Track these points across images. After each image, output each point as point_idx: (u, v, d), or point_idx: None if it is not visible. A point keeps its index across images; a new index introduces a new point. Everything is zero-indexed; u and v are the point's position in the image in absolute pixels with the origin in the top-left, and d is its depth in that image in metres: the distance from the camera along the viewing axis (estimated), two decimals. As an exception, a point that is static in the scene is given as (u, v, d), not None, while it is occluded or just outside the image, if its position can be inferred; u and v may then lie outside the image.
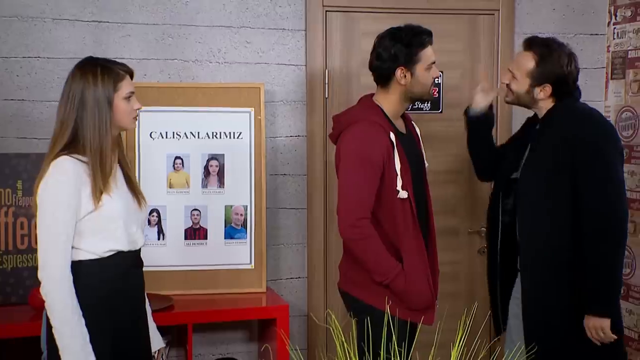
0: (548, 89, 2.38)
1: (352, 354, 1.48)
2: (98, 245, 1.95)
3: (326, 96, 3.12)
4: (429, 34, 2.36)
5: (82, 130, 1.93)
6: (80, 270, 1.91)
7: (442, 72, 3.18)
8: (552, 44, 2.41)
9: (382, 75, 2.37)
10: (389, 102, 2.38)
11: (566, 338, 2.32)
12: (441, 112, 3.26)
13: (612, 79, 3.28)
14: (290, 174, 3.11)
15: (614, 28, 3.25)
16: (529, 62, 2.38)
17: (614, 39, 3.26)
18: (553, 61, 2.36)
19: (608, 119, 3.30)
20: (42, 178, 1.92)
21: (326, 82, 3.11)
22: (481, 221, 3.24)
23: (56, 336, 1.87)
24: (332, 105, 3.13)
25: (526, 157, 2.43)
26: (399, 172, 2.27)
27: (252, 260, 2.92)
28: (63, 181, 1.89)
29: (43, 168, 1.93)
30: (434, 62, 2.37)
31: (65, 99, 1.96)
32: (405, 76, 2.32)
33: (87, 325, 1.88)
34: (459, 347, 1.42)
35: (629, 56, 3.17)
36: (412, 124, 2.53)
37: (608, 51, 3.29)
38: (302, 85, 3.09)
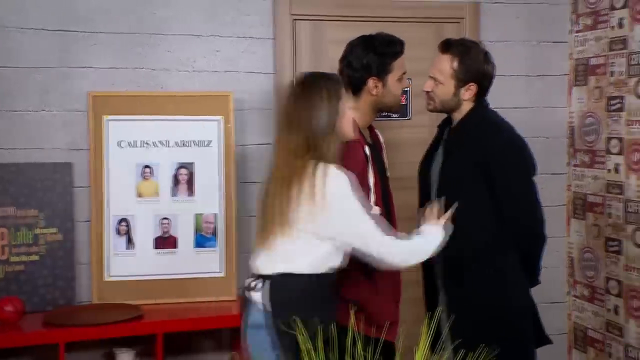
0: (473, 87, 2.38)
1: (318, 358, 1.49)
2: None
3: (295, 104, 3.13)
4: (401, 44, 2.34)
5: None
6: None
7: (410, 79, 3.22)
8: (467, 42, 2.45)
9: (353, 84, 2.32)
10: (359, 112, 2.33)
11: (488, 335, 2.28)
12: (410, 118, 3.30)
13: (575, 85, 3.35)
14: (260, 182, 3.10)
15: (576, 36, 3.32)
16: (451, 63, 2.36)
17: (576, 46, 3.33)
18: (472, 58, 2.36)
19: (572, 124, 3.38)
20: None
21: (295, 90, 3.12)
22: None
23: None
24: (301, 112, 3.14)
25: (443, 161, 2.41)
26: (372, 187, 2.22)
27: (223, 268, 2.92)
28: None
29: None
30: (405, 73, 2.36)
31: None
32: (377, 86, 2.30)
33: None
34: (423, 352, 1.44)
35: (591, 63, 3.24)
36: (376, 133, 2.50)
37: (571, 58, 3.36)
38: (271, 93, 3.10)
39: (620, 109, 3.07)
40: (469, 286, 2.35)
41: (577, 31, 3.30)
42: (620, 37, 3.05)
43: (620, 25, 3.05)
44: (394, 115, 3.26)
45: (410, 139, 3.27)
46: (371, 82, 2.29)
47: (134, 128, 2.86)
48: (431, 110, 2.49)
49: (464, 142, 2.37)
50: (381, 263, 2.02)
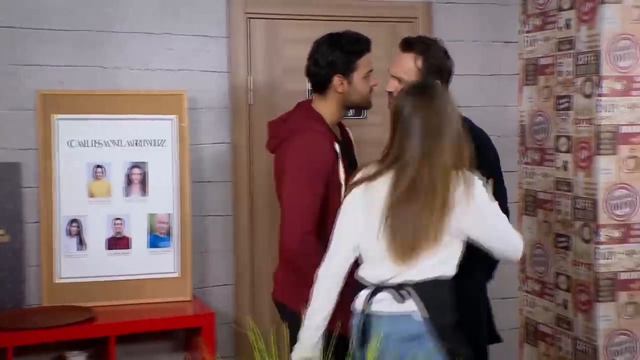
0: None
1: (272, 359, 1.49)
2: None
3: (250, 103, 3.12)
4: (367, 41, 2.35)
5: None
6: None
7: (364, 78, 3.25)
8: (427, 39, 2.45)
9: (319, 82, 2.35)
10: (328, 109, 2.35)
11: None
12: (365, 117, 3.32)
13: (525, 84, 3.42)
14: (215, 181, 3.10)
15: (526, 36, 3.39)
16: (415, 61, 2.35)
17: (526, 46, 3.40)
18: (435, 55, 2.37)
19: (523, 123, 3.45)
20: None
21: (250, 88, 3.11)
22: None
23: None
24: (256, 112, 3.13)
25: None
26: (343, 183, 2.23)
27: (178, 268, 2.89)
28: None
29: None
30: (372, 70, 2.37)
31: None
32: (342, 84, 2.31)
33: None
34: (376, 349, 1.45)
35: (540, 63, 3.31)
36: (347, 130, 2.53)
37: (521, 58, 3.43)
38: (225, 92, 3.08)
39: (568, 108, 3.14)
40: None
41: (527, 31, 3.37)
42: (568, 37, 3.12)
43: (568, 26, 3.13)
44: (349, 114, 3.28)
45: (365, 138, 3.28)
46: (336, 80, 2.31)
47: (85, 127, 2.81)
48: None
49: None
50: (506, 255, 2.07)
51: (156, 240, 2.88)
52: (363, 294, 2.01)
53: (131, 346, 2.91)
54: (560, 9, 3.17)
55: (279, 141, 2.34)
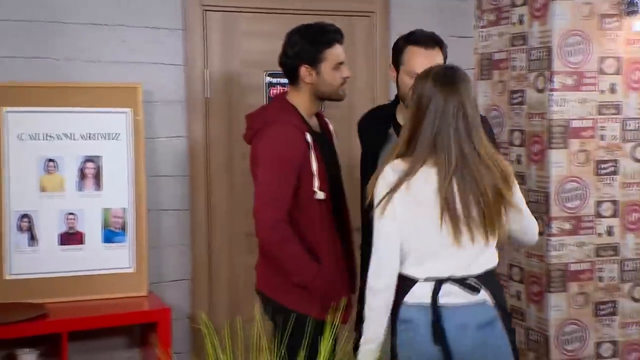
0: None
1: (226, 356, 1.48)
2: None
3: (207, 96, 3.10)
4: (337, 32, 2.35)
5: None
6: None
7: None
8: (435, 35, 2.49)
9: (288, 73, 2.37)
10: (301, 100, 2.37)
11: None
12: (322, 110, 3.31)
13: (480, 79, 3.47)
14: (171, 176, 3.06)
15: (481, 31, 3.44)
16: (441, 57, 2.40)
17: (480, 41, 3.45)
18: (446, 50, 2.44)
19: (478, 117, 3.50)
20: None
21: (207, 82, 3.09)
22: (359, 219, 3.32)
23: None
24: (213, 105, 3.11)
25: None
26: (315, 173, 2.26)
27: (133, 263, 2.85)
28: None
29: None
30: (343, 62, 2.36)
31: None
32: (310, 74, 2.32)
33: None
34: (329, 341, 1.46)
35: (494, 58, 3.36)
36: (326, 122, 2.54)
37: (476, 53, 3.48)
38: (181, 85, 3.05)
39: (522, 103, 3.20)
40: None
41: (482, 27, 3.42)
42: (521, 33, 3.18)
43: (521, 21, 3.18)
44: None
45: (323, 131, 3.30)
46: (304, 70, 2.32)
47: (36, 120, 2.75)
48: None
49: None
50: (525, 239, 2.16)
51: (111, 235, 2.83)
52: (424, 289, 1.97)
53: (85, 343, 2.86)
54: (514, 5, 3.22)
55: (254, 132, 2.35)
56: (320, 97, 2.39)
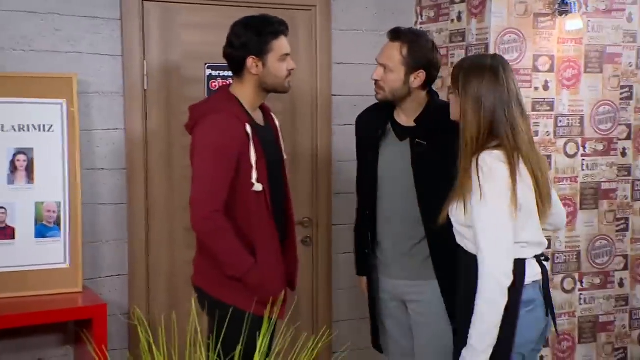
0: (422, 75, 2.42)
1: (161, 352, 1.47)
2: None
3: (145, 88, 3.04)
4: (283, 24, 2.35)
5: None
6: None
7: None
8: (415, 31, 2.53)
9: (234, 64, 2.34)
10: (245, 92, 2.35)
11: None
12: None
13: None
14: (107, 169, 3.00)
15: (420, 27, 3.48)
16: (400, 50, 2.40)
17: (420, 37, 3.49)
18: (421, 45, 2.42)
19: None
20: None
21: (145, 73, 3.03)
22: (304, 211, 3.33)
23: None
24: (152, 97, 3.05)
25: (416, 152, 2.42)
26: (254, 165, 2.24)
27: (67, 259, 2.78)
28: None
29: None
30: (289, 54, 2.36)
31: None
32: (257, 66, 2.30)
33: None
34: (283, 337, 1.46)
35: (434, 54, 3.41)
36: (272, 116, 2.52)
37: (417, 49, 3.52)
38: (118, 76, 2.98)
39: (460, 98, 3.26)
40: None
41: (422, 23, 3.46)
42: (459, 30, 3.23)
43: (459, 18, 3.24)
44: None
45: (264, 125, 3.29)
46: (250, 61, 2.30)
47: (-36, 111, 2.65)
48: (380, 100, 2.49)
49: (440, 129, 2.36)
50: (558, 222, 2.33)
51: (44, 230, 2.75)
52: (533, 267, 2.08)
53: (17, 341, 2.78)
54: (453, 2, 3.28)
55: (194, 122, 2.32)
56: (266, 89, 2.37)
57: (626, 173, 3.41)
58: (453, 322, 2.40)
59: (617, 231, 3.41)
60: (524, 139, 2.06)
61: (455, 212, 2.10)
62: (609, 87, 3.32)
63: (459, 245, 2.16)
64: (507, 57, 3.06)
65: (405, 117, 2.50)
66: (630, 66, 3.35)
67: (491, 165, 2.00)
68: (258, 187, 2.25)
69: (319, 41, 3.33)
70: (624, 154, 3.39)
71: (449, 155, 2.32)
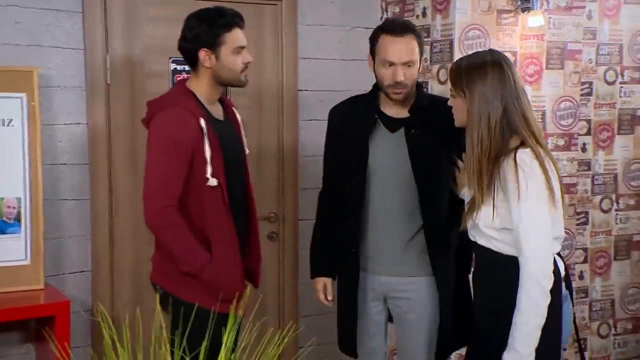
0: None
1: (124, 350, 1.45)
2: None
3: (108, 82, 3.00)
4: (237, 15, 2.31)
5: None
6: None
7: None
8: (408, 21, 2.52)
9: (188, 57, 2.31)
10: (201, 86, 2.31)
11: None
12: (229, 98, 3.28)
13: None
14: (70, 164, 2.95)
15: (386, 23, 3.50)
16: (417, 42, 2.37)
17: (386, 33, 3.50)
18: (421, 34, 2.43)
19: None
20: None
21: (108, 67, 2.99)
22: (270, 207, 3.33)
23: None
24: (115, 91, 3.01)
25: (409, 145, 2.38)
26: (208, 160, 2.21)
27: (28, 255, 2.73)
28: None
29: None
30: (244, 47, 2.32)
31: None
32: (209, 58, 2.27)
33: None
34: (249, 332, 1.46)
35: (399, 50, 3.43)
36: (233, 110, 2.48)
37: (382, 44, 3.53)
38: (81, 70, 2.94)
39: (425, 94, 3.28)
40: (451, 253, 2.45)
41: (387, 19, 3.48)
42: (424, 25, 3.25)
43: (424, 14, 3.26)
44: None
45: (229, 119, 3.27)
46: (202, 54, 2.26)
47: None
48: (402, 99, 2.40)
49: (435, 119, 2.37)
50: None
51: (4, 226, 2.70)
52: (559, 262, 2.09)
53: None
54: (418, -2, 3.30)
55: (150, 117, 2.29)
56: (221, 82, 2.34)
57: (586, 168, 3.48)
58: (442, 319, 2.43)
59: (577, 225, 3.48)
60: (539, 130, 2.05)
61: (479, 216, 2.03)
62: (569, 83, 3.38)
63: (476, 244, 2.12)
64: (471, 53, 3.11)
65: (397, 109, 2.44)
66: (590, 63, 3.42)
67: (530, 164, 1.96)
68: (212, 182, 2.21)
69: (285, 36, 3.32)
70: (584, 149, 3.46)
71: (446, 145, 2.36)
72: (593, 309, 3.55)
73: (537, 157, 1.98)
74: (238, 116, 2.51)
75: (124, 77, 3.03)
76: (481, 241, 2.10)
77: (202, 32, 2.25)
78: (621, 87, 3.52)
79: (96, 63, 2.96)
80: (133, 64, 3.05)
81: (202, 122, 2.22)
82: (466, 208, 2.11)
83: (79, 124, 2.95)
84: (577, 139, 3.44)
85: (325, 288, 2.58)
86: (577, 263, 3.49)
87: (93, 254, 3.00)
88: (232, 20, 2.29)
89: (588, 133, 3.47)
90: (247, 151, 2.51)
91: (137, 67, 3.06)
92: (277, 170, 3.37)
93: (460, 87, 2.06)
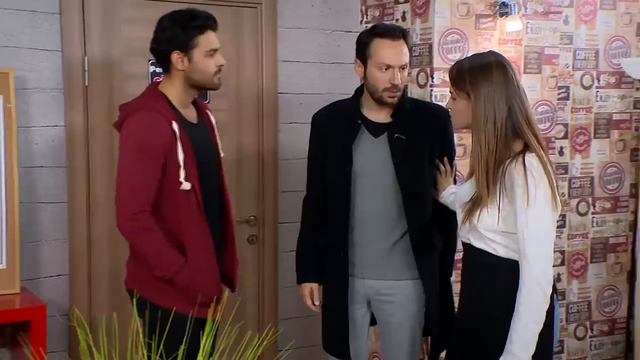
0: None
1: (101, 355, 1.44)
2: None
3: (86, 84, 2.97)
4: (209, 18, 2.28)
5: None
6: None
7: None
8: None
9: (160, 59, 2.29)
10: (173, 89, 2.29)
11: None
12: (208, 102, 3.27)
13: (366, 74, 3.54)
14: (47, 167, 2.92)
15: (366, 26, 3.49)
16: (408, 47, 2.41)
17: (366, 36, 3.52)
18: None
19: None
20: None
21: (86, 69, 2.96)
22: (250, 210, 3.32)
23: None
24: (93, 93, 2.99)
25: (392, 149, 2.40)
26: (182, 163, 2.18)
27: (4, 259, 2.69)
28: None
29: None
30: (217, 49, 2.29)
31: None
32: (182, 61, 2.24)
33: None
34: (227, 336, 1.45)
35: (379, 53, 3.44)
36: (207, 113, 2.46)
37: (362, 48, 3.54)
38: (58, 72, 2.91)
39: (404, 97, 3.30)
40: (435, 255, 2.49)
41: (367, 22, 3.49)
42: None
43: (404, 18, 3.28)
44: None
45: (209, 122, 3.25)
46: (175, 56, 2.24)
47: None
48: (395, 102, 2.41)
49: (417, 123, 2.41)
50: None
51: (-21, 229, 2.67)
52: None
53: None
54: (397, 2, 3.31)
55: (122, 120, 2.26)
56: (194, 85, 2.30)
57: (563, 171, 3.52)
58: (433, 321, 2.45)
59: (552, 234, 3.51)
60: (539, 132, 2.05)
61: (481, 219, 2.02)
62: (547, 88, 3.42)
63: (470, 246, 2.12)
64: (449, 57, 3.14)
65: (379, 114, 2.45)
66: (567, 67, 3.47)
67: (538, 169, 1.95)
68: (186, 185, 2.19)
69: (265, 39, 3.32)
70: (561, 153, 3.50)
71: (428, 149, 2.41)
72: (570, 311, 3.59)
73: (542, 162, 1.98)
74: (212, 119, 2.48)
75: (102, 79, 3.01)
76: (477, 244, 2.08)
77: (175, 35, 2.23)
78: (597, 91, 3.57)
79: (74, 65, 2.93)
80: (111, 65, 3.03)
81: (175, 126, 2.20)
82: (463, 210, 2.09)
83: (57, 126, 2.93)
84: (554, 142, 3.48)
85: (312, 293, 2.59)
86: (554, 265, 3.51)
87: (70, 257, 2.97)
88: (206, 22, 2.27)
89: (565, 137, 3.51)
90: (222, 154, 2.49)
91: (116, 69, 3.04)
92: (257, 173, 3.36)
93: (464, 88, 2.05)
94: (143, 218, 2.15)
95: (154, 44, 2.29)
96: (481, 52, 2.18)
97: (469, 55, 2.28)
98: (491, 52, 2.15)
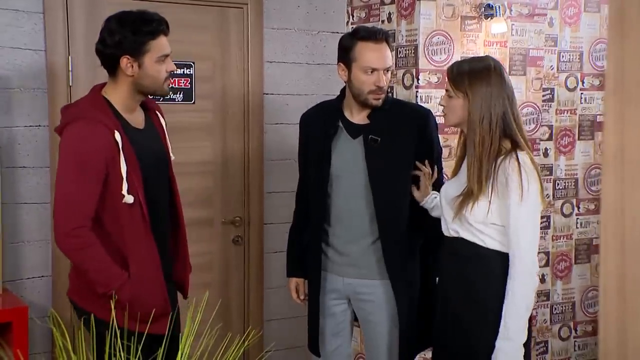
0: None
1: (77, 355, 1.42)
2: None
3: (70, 84, 2.95)
4: (162, 22, 2.16)
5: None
6: None
7: (193, 62, 3.19)
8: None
9: (107, 63, 2.15)
10: (118, 94, 2.16)
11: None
12: (194, 103, 3.26)
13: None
14: (30, 167, 2.90)
15: (352, 28, 3.50)
16: (389, 49, 2.43)
17: (352, 38, 3.52)
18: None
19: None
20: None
21: (70, 69, 2.94)
22: (235, 211, 3.31)
23: None
24: (77, 94, 2.95)
25: (365, 150, 2.41)
26: (124, 176, 2.06)
27: (-14, 261, 2.67)
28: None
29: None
30: (168, 55, 2.18)
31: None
32: (132, 67, 2.12)
33: None
34: (208, 337, 1.44)
35: (365, 54, 3.44)
36: (157, 116, 2.34)
37: (348, 49, 3.54)
38: (41, 71, 2.89)
39: (390, 98, 3.30)
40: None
41: (352, 23, 3.49)
42: (390, 30, 3.27)
43: (389, 19, 3.28)
44: (177, 99, 3.21)
45: (194, 123, 3.24)
46: (124, 61, 2.11)
47: None
48: (379, 104, 2.43)
49: (396, 123, 2.44)
50: None
51: (-40, 230, 2.64)
52: None
53: None
54: (383, 3, 3.32)
55: (62, 127, 2.13)
56: (142, 91, 2.18)
57: (548, 172, 3.53)
58: (401, 322, 2.45)
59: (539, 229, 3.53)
60: (526, 134, 2.17)
61: (473, 211, 2.11)
62: (532, 89, 3.43)
63: (458, 239, 2.19)
64: (435, 58, 3.15)
65: (360, 115, 2.47)
66: (552, 69, 3.48)
67: (530, 165, 2.08)
68: (129, 199, 2.07)
69: (251, 39, 3.31)
70: (546, 154, 3.52)
71: (406, 150, 2.43)
72: (554, 312, 3.60)
73: (533, 159, 2.12)
74: (162, 121, 2.36)
75: (86, 79, 2.98)
76: (466, 235, 2.17)
77: (126, 39, 2.09)
78: (581, 93, 3.59)
79: (58, 65, 2.91)
80: (96, 66, 2.99)
81: (117, 136, 2.07)
82: (454, 204, 2.16)
83: (40, 126, 2.90)
84: (539, 144, 3.49)
85: (297, 287, 2.65)
86: (539, 266, 3.53)
87: (53, 258, 2.95)
88: (159, 27, 2.14)
89: (550, 138, 3.52)
90: (173, 157, 2.38)
91: (100, 69, 2.99)
92: (242, 173, 3.35)
93: (462, 88, 2.15)
94: (83, 234, 2.05)
95: (101, 46, 2.15)
96: (478, 56, 2.35)
97: (466, 58, 2.39)
98: (488, 57, 2.28)
